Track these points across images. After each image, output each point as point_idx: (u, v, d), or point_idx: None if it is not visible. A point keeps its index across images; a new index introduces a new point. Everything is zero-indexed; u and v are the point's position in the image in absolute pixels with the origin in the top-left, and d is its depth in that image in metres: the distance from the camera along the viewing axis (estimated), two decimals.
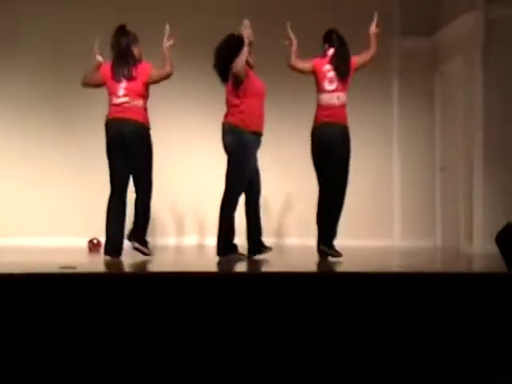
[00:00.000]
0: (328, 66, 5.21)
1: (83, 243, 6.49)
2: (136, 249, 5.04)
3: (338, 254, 5.01)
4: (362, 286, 3.61)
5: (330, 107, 5.13)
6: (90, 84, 5.15)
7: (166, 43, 5.04)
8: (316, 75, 5.22)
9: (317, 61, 5.26)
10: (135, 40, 5.10)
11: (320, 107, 5.17)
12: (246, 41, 4.90)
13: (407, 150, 7.57)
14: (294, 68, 5.26)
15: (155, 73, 5.04)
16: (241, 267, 4.50)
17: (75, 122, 7.34)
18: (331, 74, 5.18)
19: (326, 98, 5.15)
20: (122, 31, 5.05)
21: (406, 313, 3.56)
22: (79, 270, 3.82)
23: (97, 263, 4.97)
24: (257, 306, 3.42)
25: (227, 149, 4.95)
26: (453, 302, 3.62)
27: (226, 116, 4.99)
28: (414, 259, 5.60)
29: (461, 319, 3.57)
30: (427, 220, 7.59)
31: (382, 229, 7.50)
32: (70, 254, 5.83)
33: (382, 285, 3.63)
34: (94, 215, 6.96)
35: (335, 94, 5.15)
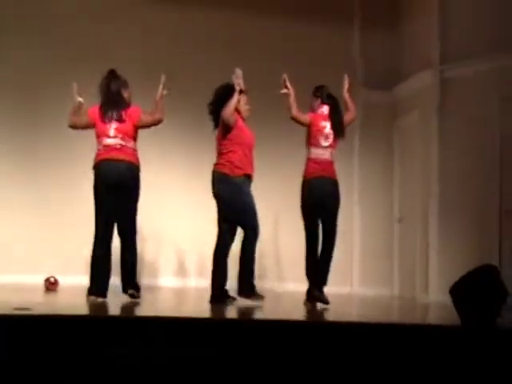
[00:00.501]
0: (325, 123, 5.40)
1: (39, 281, 6.32)
2: (131, 295, 5.05)
3: (327, 301, 5.22)
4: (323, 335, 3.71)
5: (323, 162, 5.33)
6: (78, 126, 5.19)
7: (161, 92, 5.15)
8: (311, 129, 5.38)
9: (313, 116, 5.43)
10: (125, 84, 5.22)
11: (312, 161, 5.34)
12: (237, 88, 5.05)
13: (367, 200, 7.79)
14: (295, 119, 5.41)
15: (145, 117, 5.12)
16: (233, 314, 4.55)
17: (35, 159, 7.30)
18: (328, 130, 5.38)
19: (320, 153, 5.34)
20: (113, 75, 5.17)
21: (365, 362, 3.65)
22: (34, 311, 3.70)
23: (53, 303, 4.94)
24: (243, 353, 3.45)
25: (216, 196, 5.06)
26: (407, 353, 3.72)
27: (215, 163, 5.11)
28: (371, 308, 5.72)
29: (415, 370, 3.67)
30: (385, 269, 7.76)
31: (342, 276, 7.61)
32: (26, 292, 5.74)
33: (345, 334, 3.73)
34: (50, 252, 7.02)
35: (329, 150, 5.37)
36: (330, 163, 5.37)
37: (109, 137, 5.00)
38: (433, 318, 5.36)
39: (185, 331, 3.45)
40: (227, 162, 5.01)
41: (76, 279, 6.75)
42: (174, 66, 7.50)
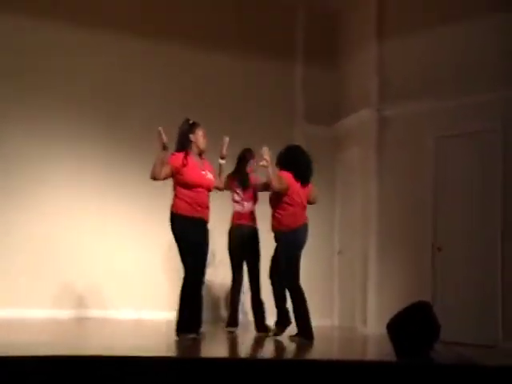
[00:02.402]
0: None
1: None
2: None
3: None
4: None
5: None
6: (161, 178, 5.32)
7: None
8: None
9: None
10: None
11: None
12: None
13: (309, 233, 7.88)
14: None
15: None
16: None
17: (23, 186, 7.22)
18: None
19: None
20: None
21: None
22: None
23: None
24: None
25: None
26: None
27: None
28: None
29: None
30: (326, 300, 7.90)
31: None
32: None
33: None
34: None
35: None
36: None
37: None
38: (370, 352, 5.51)
39: None
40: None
41: (11, 312, 6.66)
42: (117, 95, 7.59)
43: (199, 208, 5.27)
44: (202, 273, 5.28)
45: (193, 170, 5.31)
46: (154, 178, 5.25)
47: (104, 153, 7.55)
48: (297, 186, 5.75)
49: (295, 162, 5.80)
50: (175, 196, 5.29)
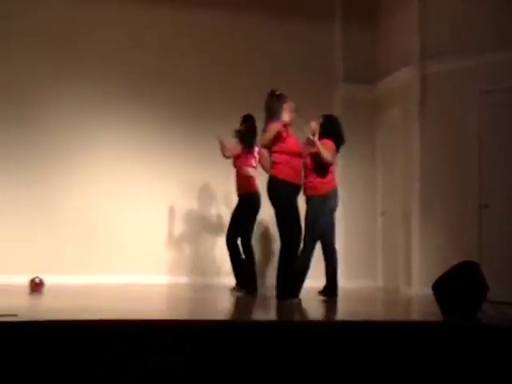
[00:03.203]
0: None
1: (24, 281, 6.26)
2: None
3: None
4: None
5: None
6: None
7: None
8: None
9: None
10: None
11: None
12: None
13: (349, 195, 7.85)
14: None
15: None
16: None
17: (19, 159, 7.29)
18: None
19: None
20: None
21: (351, 360, 3.75)
22: (20, 317, 3.67)
23: (40, 307, 4.97)
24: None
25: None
26: (391, 349, 3.83)
27: None
28: (355, 303, 5.83)
29: (398, 366, 3.78)
30: (369, 262, 7.88)
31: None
32: (11, 294, 5.75)
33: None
34: (35, 253, 7.02)
35: None
36: None
37: None
38: (415, 313, 5.49)
39: None
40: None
41: (60, 279, 6.83)
42: (162, 73, 7.63)
43: (299, 176, 5.47)
44: (300, 239, 5.47)
45: (292, 138, 5.48)
46: (264, 146, 5.52)
47: (144, 123, 7.62)
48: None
49: (335, 130, 5.86)
50: (278, 163, 5.37)
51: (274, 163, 5.43)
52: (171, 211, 7.69)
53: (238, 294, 6.21)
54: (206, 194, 7.73)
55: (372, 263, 7.96)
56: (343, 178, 7.99)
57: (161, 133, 7.65)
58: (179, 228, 7.73)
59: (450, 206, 6.91)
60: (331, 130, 5.83)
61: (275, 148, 5.41)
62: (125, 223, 7.48)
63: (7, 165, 7.25)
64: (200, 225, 7.76)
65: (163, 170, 7.61)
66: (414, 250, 7.15)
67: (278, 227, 5.43)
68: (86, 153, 7.45)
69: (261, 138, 5.56)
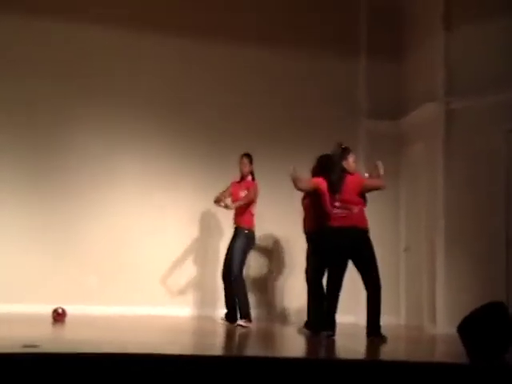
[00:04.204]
0: None
1: (47, 311, 6.32)
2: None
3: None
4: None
5: None
6: None
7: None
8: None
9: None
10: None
11: None
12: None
13: (374, 229, 7.73)
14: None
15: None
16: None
17: (40, 187, 7.38)
18: None
19: None
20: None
21: None
22: (42, 348, 3.68)
23: (63, 338, 4.97)
24: None
25: None
26: None
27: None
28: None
29: None
30: (392, 298, 7.76)
31: (349, 306, 7.64)
32: (34, 324, 5.77)
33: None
34: (58, 283, 7.05)
35: None
36: None
37: None
38: (440, 353, 5.38)
39: None
40: None
41: (82, 309, 6.84)
42: (183, 98, 7.73)
43: None
44: None
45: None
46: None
47: (168, 150, 7.70)
48: None
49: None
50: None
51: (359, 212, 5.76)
52: (194, 245, 7.71)
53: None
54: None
55: (395, 299, 7.84)
56: (368, 212, 7.97)
57: (185, 165, 7.71)
58: (203, 261, 7.72)
59: (477, 243, 6.81)
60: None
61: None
62: (149, 255, 7.50)
63: (34, 194, 7.33)
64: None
65: (181, 201, 7.63)
66: (439, 287, 7.04)
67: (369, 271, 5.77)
68: (112, 184, 7.52)
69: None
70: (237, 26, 7.92)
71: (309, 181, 6.11)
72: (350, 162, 5.87)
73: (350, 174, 5.86)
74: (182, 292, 7.57)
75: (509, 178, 6.63)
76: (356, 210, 5.77)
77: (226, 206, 6.61)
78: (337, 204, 5.80)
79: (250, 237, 6.60)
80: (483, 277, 6.67)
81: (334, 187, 5.81)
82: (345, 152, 5.87)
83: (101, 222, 7.44)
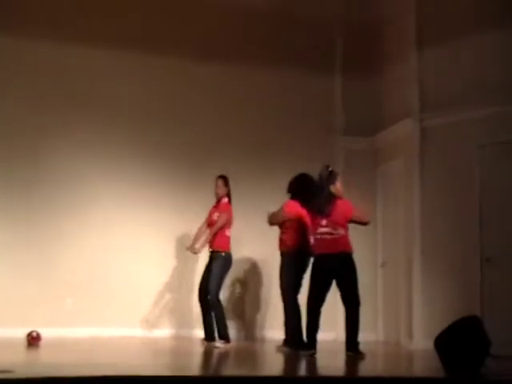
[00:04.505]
0: None
1: (21, 334, 6.23)
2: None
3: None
4: None
5: None
6: None
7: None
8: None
9: None
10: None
11: None
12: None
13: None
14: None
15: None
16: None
17: (20, 208, 7.26)
18: None
19: None
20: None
21: None
22: (16, 374, 3.63)
23: (37, 363, 4.89)
24: None
25: None
26: None
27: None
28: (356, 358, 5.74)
29: None
30: (369, 314, 7.76)
31: (326, 322, 7.64)
32: (8, 348, 5.66)
33: None
34: (33, 306, 6.93)
35: None
36: None
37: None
38: (417, 368, 5.40)
39: None
40: None
41: (58, 332, 6.74)
42: (165, 116, 7.72)
43: None
44: None
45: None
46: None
47: (154, 173, 7.64)
48: None
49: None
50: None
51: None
52: (170, 264, 7.66)
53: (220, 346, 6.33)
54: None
55: (373, 315, 7.85)
56: None
57: (162, 184, 7.65)
58: (178, 280, 7.67)
59: (452, 258, 6.87)
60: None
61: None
62: (124, 276, 7.38)
63: (8, 216, 7.18)
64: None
65: (161, 223, 7.57)
66: (416, 302, 7.07)
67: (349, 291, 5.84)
68: (88, 207, 7.41)
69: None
70: (215, 45, 7.93)
71: (282, 213, 6.17)
72: (338, 186, 5.95)
73: (339, 198, 5.88)
74: (158, 313, 7.49)
75: (482, 193, 6.71)
76: (343, 232, 5.83)
77: (195, 252, 6.59)
78: (323, 223, 5.81)
79: (227, 259, 6.56)
80: (459, 292, 6.71)
81: (322, 210, 5.81)
82: (332, 176, 5.93)
83: (76, 244, 7.32)
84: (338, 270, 5.77)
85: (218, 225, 6.47)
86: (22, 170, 7.28)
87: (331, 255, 5.76)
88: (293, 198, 6.34)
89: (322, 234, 5.81)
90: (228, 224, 6.56)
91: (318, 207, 5.83)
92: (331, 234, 5.79)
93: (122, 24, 7.68)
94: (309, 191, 5.96)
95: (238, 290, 7.78)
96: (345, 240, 5.85)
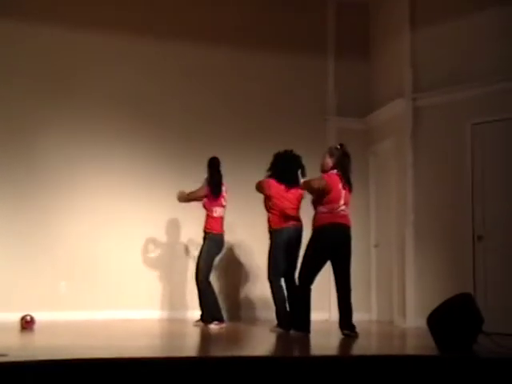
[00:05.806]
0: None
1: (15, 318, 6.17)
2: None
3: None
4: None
5: None
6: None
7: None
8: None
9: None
10: None
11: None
12: None
13: None
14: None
15: None
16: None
17: (11, 194, 7.22)
18: None
19: None
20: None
21: None
22: (10, 357, 3.62)
23: (31, 346, 4.88)
24: None
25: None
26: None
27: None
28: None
29: None
30: (363, 294, 7.82)
31: (320, 303, 7.67)
32: (1, 332, 5.66)
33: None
34: (26, 290, 6.93)
35: None
36: None
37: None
38: (410, 347, 5.44)
39: None
40: None
41: (51, 315, 6.74)
42: (155, 100, 7.66)
43: None
44: None
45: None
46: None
47: (141, 158, 7.61)
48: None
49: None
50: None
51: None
52: (164, 248, 7.66)
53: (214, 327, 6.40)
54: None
55: (367, 295, 7.90)
56: None
57: (152, 169, 7.62)
58: (172, 264, 7.68)
59: (445, 238, 6.90)
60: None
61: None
62: (118, 260, 7.40)
63: (8, 197, 7.17)
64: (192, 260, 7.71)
65: (153, 206, 7.54)
66: (409, 281, 7.11)
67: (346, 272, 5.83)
68: (80, 190, 7.37)
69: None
70: (205, 26, 7.89)
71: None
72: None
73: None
74: (151, 295, 7.49)
75: (475, 171, 6.73)
76: (348, 210, 5.96)
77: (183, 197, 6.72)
78: (342, 202, 5.87)
79: (217, 240, 6.59)
80: (451, 270, 6.76)
81: (350, 186, 5.94)
82: (346, 155, 6.03)
83: (69, 227, 7.31)
84: (342, 242, 5.80)
85: (192, 193, 6.69)
86: (9, 156, 7.21)
87: (343, 226, 5.83)
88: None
89: (343, 210, 5.88)
90: (213, 205, 6.62)
91: (349, 183, 5.93)
92: (346, 210, 5.93)
93: (113, 9, 7.61)
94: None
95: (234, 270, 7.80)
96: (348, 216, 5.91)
